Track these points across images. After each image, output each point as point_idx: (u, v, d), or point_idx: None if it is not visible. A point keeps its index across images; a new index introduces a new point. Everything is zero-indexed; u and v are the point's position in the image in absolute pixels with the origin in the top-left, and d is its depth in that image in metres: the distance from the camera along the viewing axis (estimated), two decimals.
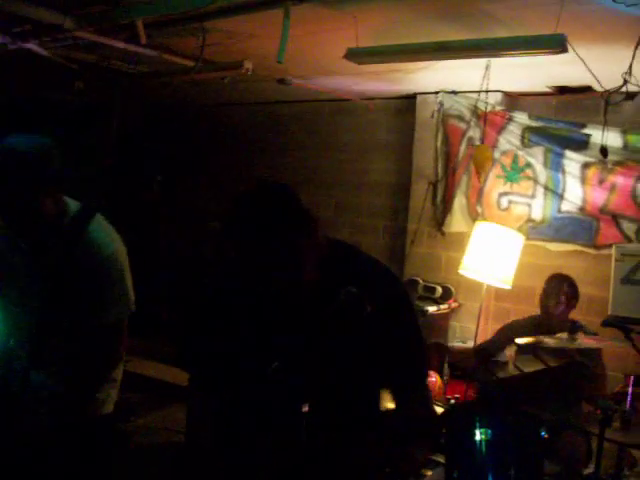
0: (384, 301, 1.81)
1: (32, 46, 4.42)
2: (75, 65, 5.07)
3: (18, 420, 2.25)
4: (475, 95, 5.35)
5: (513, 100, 5.47)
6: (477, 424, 2.34)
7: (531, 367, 3.56)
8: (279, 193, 1.72)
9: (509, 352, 4.61)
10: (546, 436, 2.68)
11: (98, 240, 2.20)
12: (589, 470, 3.26)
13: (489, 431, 2.33)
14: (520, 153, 5.26)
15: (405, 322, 1.88)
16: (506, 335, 4.37)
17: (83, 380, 2.32)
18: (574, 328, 3.32)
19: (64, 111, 5.64)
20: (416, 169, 5.90)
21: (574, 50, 3.46)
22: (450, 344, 4.94)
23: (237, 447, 1.83)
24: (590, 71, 3.82)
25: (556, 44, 3.24)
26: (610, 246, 4.84)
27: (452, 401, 4.06)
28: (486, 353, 4.51)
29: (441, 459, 2.81)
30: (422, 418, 1.84)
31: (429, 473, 2.82)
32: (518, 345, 4.09)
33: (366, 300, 1.66)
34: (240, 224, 1.67)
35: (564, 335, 3.31)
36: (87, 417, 2.37)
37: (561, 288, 4.05)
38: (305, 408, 1.69)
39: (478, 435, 2.30)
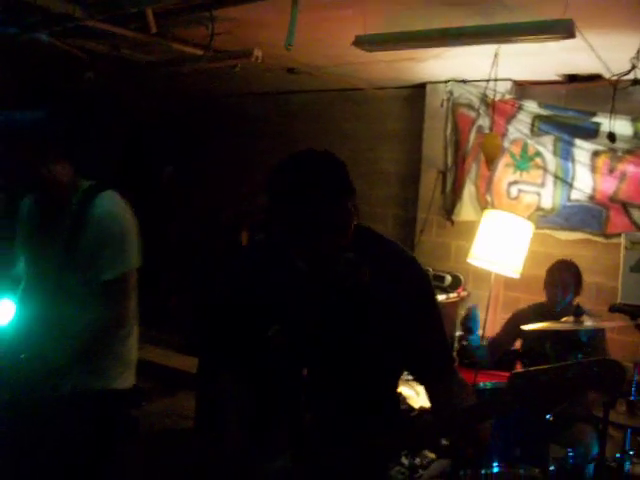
0: (409, 284, 1.81)
1: (42, 36, 4.46)
2: (85, 55, 5.10)
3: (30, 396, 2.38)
4: (485, 84, 5.33)
5: (523, 88, 5.46)
6: None
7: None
8: (335, 157, 1.71)
9: (519, 344, 4.60)
10: (551, 419, 2.70)
11: (100, 204, 2.44)
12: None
13: None
14: (530, 142, 5.25)
15: (431, 308, 1.87)
16: (513, 326, 4.35)
17: (89, 341, 2.44)
18: (578, 312, 3.32)
19: (75, 100, 5.67)
20: (426, 158, 5.90)
21: (582, 36, 3.45)
22: (458, 333, 4.93)
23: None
24: (599, 57, 3.81)
25: (563, 29, 3.23)
26: (620, 235, 4.84)
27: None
28: (497, 347, 4.48)
29: (446, 441, 2.82)
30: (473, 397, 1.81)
31: (432, 456, 2.84)
32: (524, 335, 4.08)
33: (366, 267, 1.65)
34: (303, 183, 1.63)
35: (569, 319, 3.31)
36: (97, 389, 2.47)
37: (565, 275, 4.04)
38: (304, 372, 1.70)
39: None
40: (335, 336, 1.77)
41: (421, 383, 1.95)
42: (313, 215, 1.62)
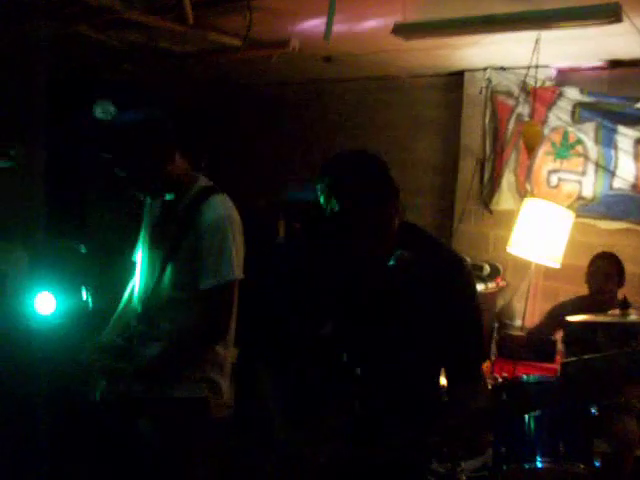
0: (451, 282, 1.82)
1: (82, 28, 4.50)
2: (124, 46, 5.13)
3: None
4: (524, 71, 5.23)
5: (564, 75, 5.35)
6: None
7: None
8: (380, 159, 1.76)
9: (558, 335, 4.53)
10: (597, 414, 2.65)
11: (207, 210, 2.41)
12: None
13: None
14: (570, 129, 5.16)
15: (470, 305, 1.88)
16: (555, 317, 4.30)
17: (177, 347, 2.43)
18: (625, 304, 3.25)
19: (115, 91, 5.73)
20: (464, 147, 5.84)
21: (629, 19, 3.36)
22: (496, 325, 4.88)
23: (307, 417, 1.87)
24: None
25: (610, 14, 3.14)
26: None
27: (499, 380, 4.03)
28: (537, 338, 4.44)
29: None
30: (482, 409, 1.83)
31: None
32: (568, 326, 4.02)
33: (418, 266, 1.66)
34: (357, 187, 1.67)
35: (615, 312, 3.25)
36: (178, 397, 2.45)
37: (610, 266, 3.98)
38: (358, 371, 1.72)
39: None
40: (382, 332, 1.78)
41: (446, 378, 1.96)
42: (361, 216, 1.66)
